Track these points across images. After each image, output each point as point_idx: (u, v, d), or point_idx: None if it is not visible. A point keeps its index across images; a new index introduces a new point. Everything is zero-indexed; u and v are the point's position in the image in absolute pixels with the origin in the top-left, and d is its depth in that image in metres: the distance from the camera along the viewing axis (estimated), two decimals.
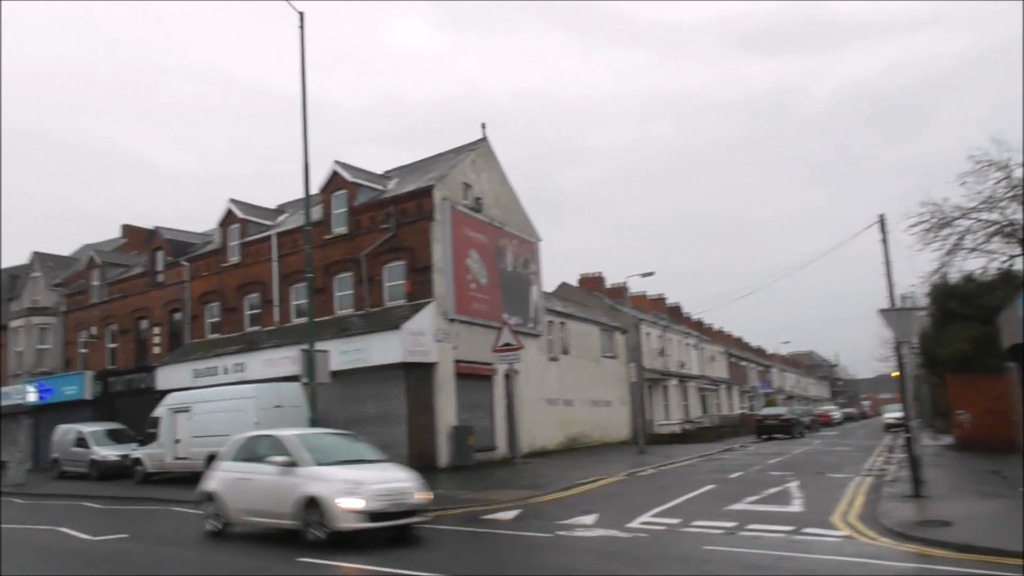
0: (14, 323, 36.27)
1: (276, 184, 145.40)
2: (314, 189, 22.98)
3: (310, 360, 18.03)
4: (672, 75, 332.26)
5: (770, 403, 59.17)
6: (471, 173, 26.50)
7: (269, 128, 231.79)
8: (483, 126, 28.11)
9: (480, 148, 27.77)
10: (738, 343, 76.72)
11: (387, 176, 28.62)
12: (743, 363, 70.75)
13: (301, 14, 19.12)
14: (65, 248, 41.57)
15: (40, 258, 37.49)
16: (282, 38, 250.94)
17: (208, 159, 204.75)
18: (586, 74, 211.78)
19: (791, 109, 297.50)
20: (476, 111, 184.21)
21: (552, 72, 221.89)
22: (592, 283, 45.10)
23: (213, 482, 12.75)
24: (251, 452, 12.53)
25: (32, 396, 33.52)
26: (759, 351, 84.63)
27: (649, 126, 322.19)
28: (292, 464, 11.44)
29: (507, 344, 21.24)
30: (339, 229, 25.91)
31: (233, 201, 29.67)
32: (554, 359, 30.37)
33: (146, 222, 40.36)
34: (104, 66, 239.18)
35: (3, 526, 14.96)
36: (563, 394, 29.83)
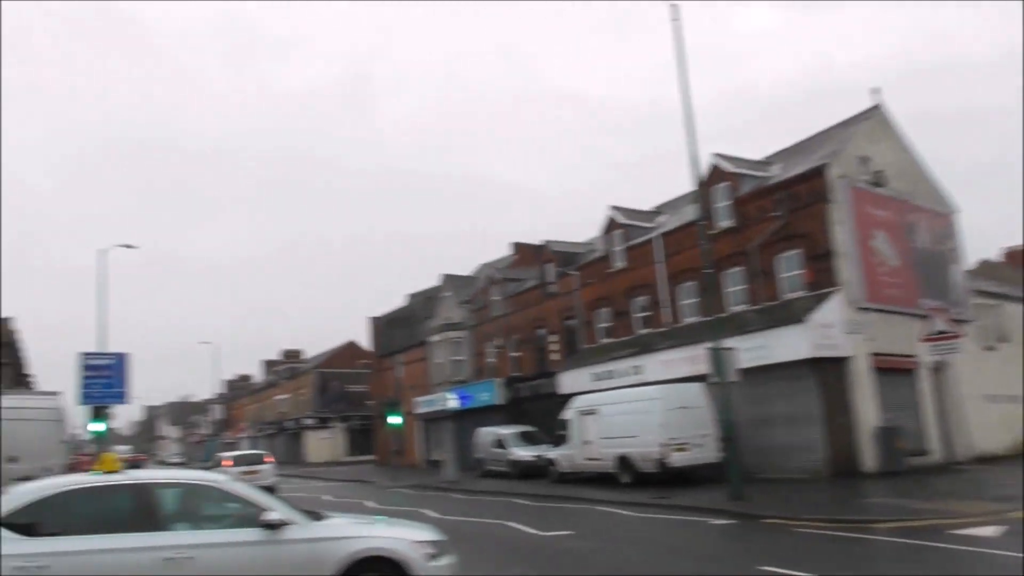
0: (433, 338, 41.20)
1: (636, 189, 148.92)
2: (690, 186, 22.42)
3: (718, 358, 17.36)
4: None
5: None
6: (867, 145, 23.87)
7: (617, 137, 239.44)
8: (875, 92, 25.27)
9: (874, 117, 24.95)
10: None
11: (767, 162, 27.06)
12: None
13: (674, 6, 18.75)
14: (466, 268, 46.24)
15: (449, 279, 42.20)
16: (606, 49, 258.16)
17: (564, 174, 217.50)
18: (981, 31, 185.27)
19: None
20: (832, 87, 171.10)
21: (937, 33, 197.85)
22: (1020, 257, 38.34)
23: None
24: None
25: (453, 402, 37.62)
26: None
27: None
28: None
29: (941, 332, 18.52)
30: (724, 223, 25.02)
31: (614, 208, 30.35)
32: (990, 348, 26.10)
33: (526, 238, 43.23)
34: (468, 103, 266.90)
35: (455, 519, 16.52)
36: (1006, 389, 25.44)
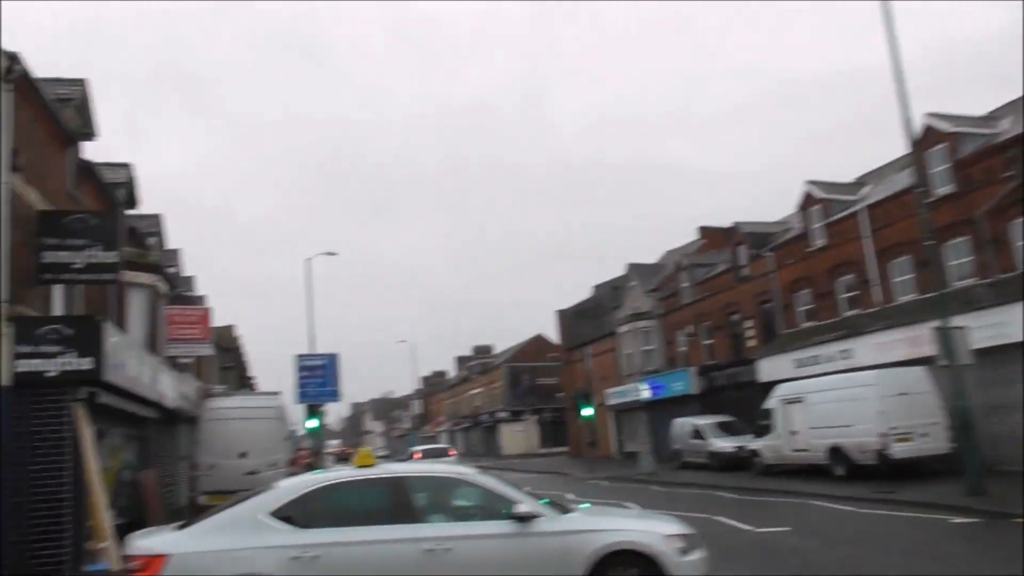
0: (621, 329, 40.67)
1: (826, 162, 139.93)
2: (899, 152, 20.35)
3: (948, 338, 15.61)
4: None
5: None
6: None
7: (800, 111, 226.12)
8: None
9: None
10: None
11: (993, 117, 24.15)
12: None
13: None
14: (651, 256, 45.29)
15: (634, 268, 41.50)
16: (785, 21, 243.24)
17: (747, 153, 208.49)
18: None
19: None
20: None
21: None
22: None
23: None
24: None
25: (645, 393, 36.94)
26: None
27: None
28: None
29: None
30: (943, 189, 22.57)
31: (811, 183, 28.38)
32: None
33: (711, 221, 41.72)
34: (642, 89, 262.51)
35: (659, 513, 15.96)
36: None
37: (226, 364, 47.65)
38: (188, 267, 34.92)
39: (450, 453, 33.69)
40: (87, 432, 12.39)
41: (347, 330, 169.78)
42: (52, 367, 11.89)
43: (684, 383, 34.56)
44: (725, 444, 27.18)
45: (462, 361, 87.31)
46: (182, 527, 6.91)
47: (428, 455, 31.47)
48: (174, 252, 31.16)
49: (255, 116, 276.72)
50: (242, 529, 6.67)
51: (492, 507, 7.22)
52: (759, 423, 24.27)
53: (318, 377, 16.44)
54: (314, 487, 7.19)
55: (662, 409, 35.78)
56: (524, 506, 7.13)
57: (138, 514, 16.75)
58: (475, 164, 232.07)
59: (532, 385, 66.58)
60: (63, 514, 11.73)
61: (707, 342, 34.75)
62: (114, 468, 16.54)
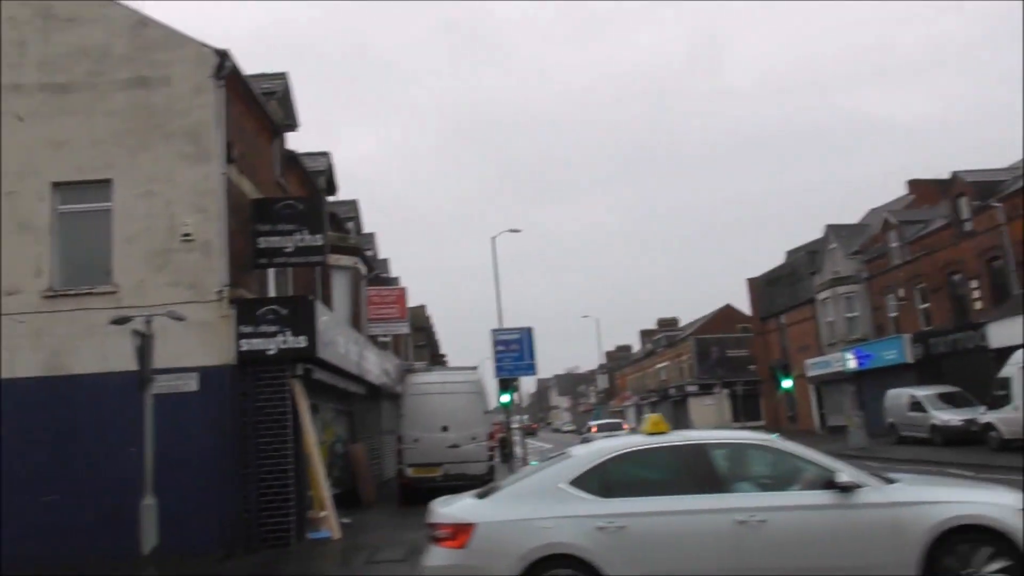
0: (820, 295, 38.09)
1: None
2: None
3: None
4: None
5: None
6: None
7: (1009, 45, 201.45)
8: None
9: None
10: None
11: None
12: None
13: None
14: (851, 217, 42.01)
15: (833, 230, 38.63)
16: None
17: (949, 101, 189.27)
18: None
19: None
20: None
21: None
22: None
23: None
24: None
25: (851, 363, 34.38)
26: None
27: None
28: None
29: None
30: None
31: None
32: None
33: (917, 175, 37.74)
34: (822, 43, 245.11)
35: None
36: None
37: (419, 343, 49.79)
38: (381, 250, 36.54)
39: (624, 427, 36.16)
40: (305, 407, 13.01)
41: (531, 308, 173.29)
42: (271, 345, 12.55)
43: (896, 351, 31.77)
44: (950, 417, 24.65)
45: (647, 335, 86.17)
46: (481, 496, 6.89)
47: (604, 428, 34.58)
48: (370, 236, 32.67)
49: (429, 102, 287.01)
50: (544, 499, 6.51)
51: (805, 476, 6.62)
52: (994, 393, 21.74)
53: (514, 351, 16.43)
54: (612, 455, 6.87)
55: (871, 380, 33.16)
56: (845, 475, 6.43)
57: (350, 485, 17.63)
58: (652, 134, 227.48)
59: (721, 357, 64.33)
60: (287, 485, 12.38)
61: (922, 306, 31.68)
62: (327, 442, 17.46)
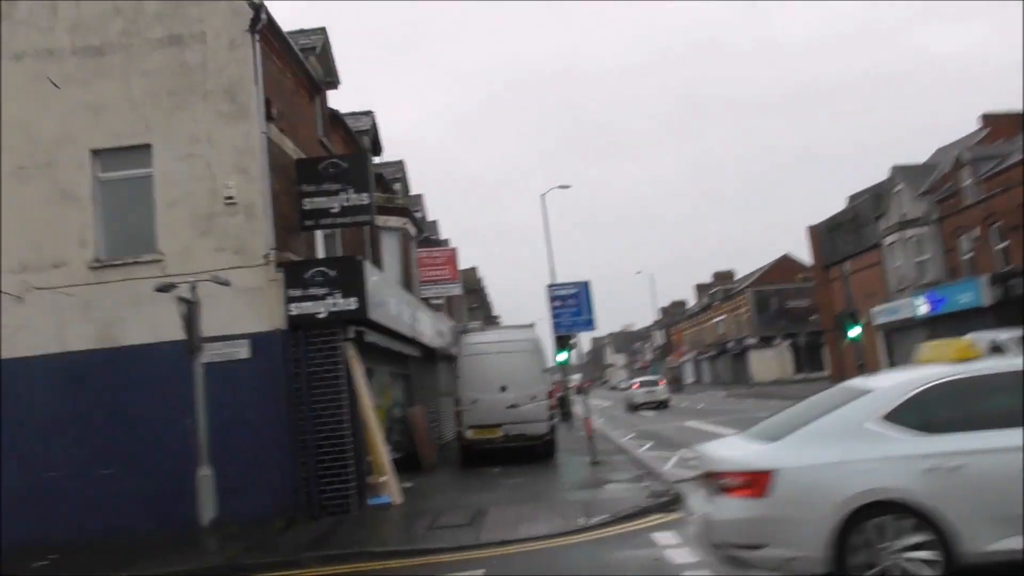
0: (887, 240, 36.43)
1: None
2: None
3: None
4: None
5: None
6: None
7: None
8: None
9: None
10: None
11: None
12: None
13: None
14: (917, 159, 39.98)
15: (899, 171, 36.76)
16: None
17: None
18: None
19: None
20: None
21: None
22: None
23: None
24: None
25: (922, 308, 32.90)
26: None
27: None
28: None
29: None
30: None
31: None
32: None
33: (985, 110, 35.50)
34: None
35: None
36: None
37: (472, 305, 49.49)
38: (429, 213, 35.97)
39: (659, 383, 42.66)
40: (359, 370, 12.60)
41: (583, 267, 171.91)
42: (321, 308, 12.12)
43: (972, 294, 30.16)
44: None
45: (702, 289, 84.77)
46: (769, 440, 6.11)
47: (644, 384, 42.00)
48: (417, 198, 32.13)
49: (477, 61, 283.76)
50: (850, 439, 5.75)
51: None
52: None
53: (571, 306, 15.72)
54: (927, 385, 5.97)
55: (944, 325, 31.53)
56: None
57: (410, 449, 17.31)
58: (706, 85, 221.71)
59: (781, 308, 62.75)
60: (345, 451, 12.02)
61: (1000, 246, 29.94)
62: (385, 405, 17.12)
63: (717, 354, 73.95)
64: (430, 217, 35.92)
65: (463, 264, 38.70)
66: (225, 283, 10.86)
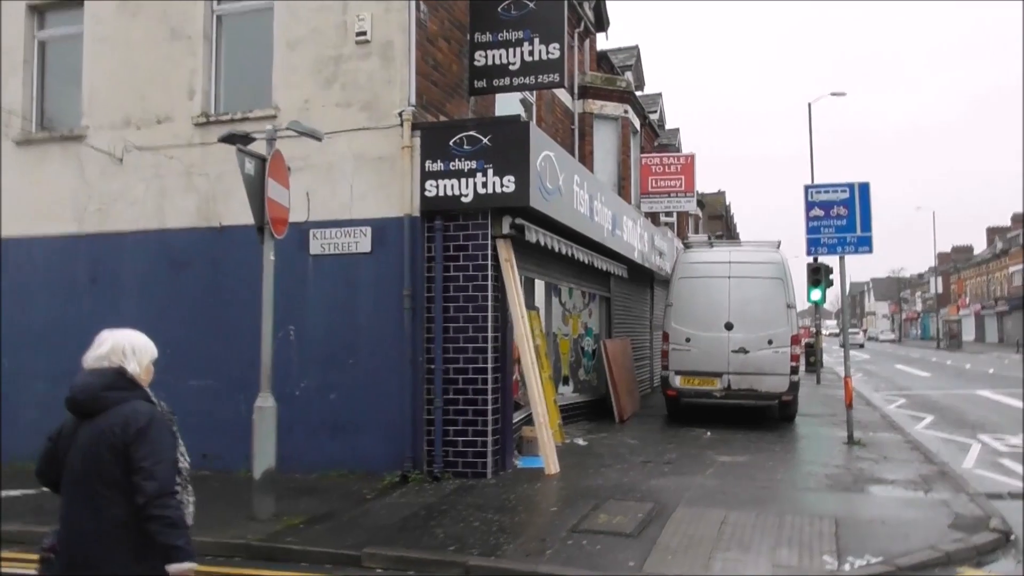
0: None
1: None
2: None
3: None
4: None
5: None
6: None
7: None
8: None
9: None
10: None
11: None
12: None
13: None
14: None
15: None
16: None
17: None
18: None
19: None
20: None
21: None
22: None
23: None
24: None
25: None
26: None
27: None
28: None
29: None
30: None
31: None
32: None
33: None
34: None
35: None
36: None
37: (716, 232, 43.99)
38: (669, 119, 30.95)
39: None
40: (515, 281, 9.00)
41: None
42: (466, 190, 8.63)
43: None
44: None
45: (995, 232, 71.85)
46: None
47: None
48: (655, 97, 27.51)
49: None
50: None
51: None
52: None
53: (837, 218, 10.86)
54: None
55: None
56: None
57: (602, 392, 13.65)
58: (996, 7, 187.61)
59: None
60: (484, 389, 8.60)
61: None
62: (571, 335, 13.50)
63: (1008, 310, 62.15)
64: (669, 125, 31.04)
65: (710, 187, 33.51)
66: (318, 137, 7.70)
